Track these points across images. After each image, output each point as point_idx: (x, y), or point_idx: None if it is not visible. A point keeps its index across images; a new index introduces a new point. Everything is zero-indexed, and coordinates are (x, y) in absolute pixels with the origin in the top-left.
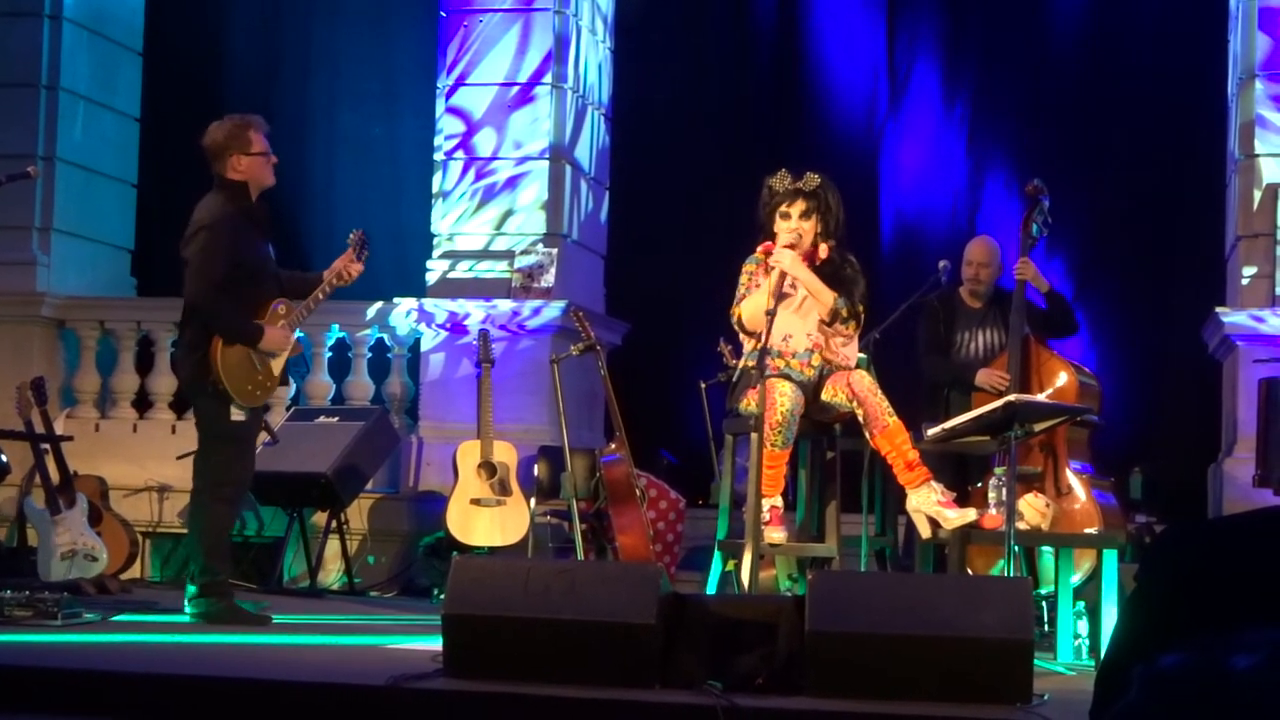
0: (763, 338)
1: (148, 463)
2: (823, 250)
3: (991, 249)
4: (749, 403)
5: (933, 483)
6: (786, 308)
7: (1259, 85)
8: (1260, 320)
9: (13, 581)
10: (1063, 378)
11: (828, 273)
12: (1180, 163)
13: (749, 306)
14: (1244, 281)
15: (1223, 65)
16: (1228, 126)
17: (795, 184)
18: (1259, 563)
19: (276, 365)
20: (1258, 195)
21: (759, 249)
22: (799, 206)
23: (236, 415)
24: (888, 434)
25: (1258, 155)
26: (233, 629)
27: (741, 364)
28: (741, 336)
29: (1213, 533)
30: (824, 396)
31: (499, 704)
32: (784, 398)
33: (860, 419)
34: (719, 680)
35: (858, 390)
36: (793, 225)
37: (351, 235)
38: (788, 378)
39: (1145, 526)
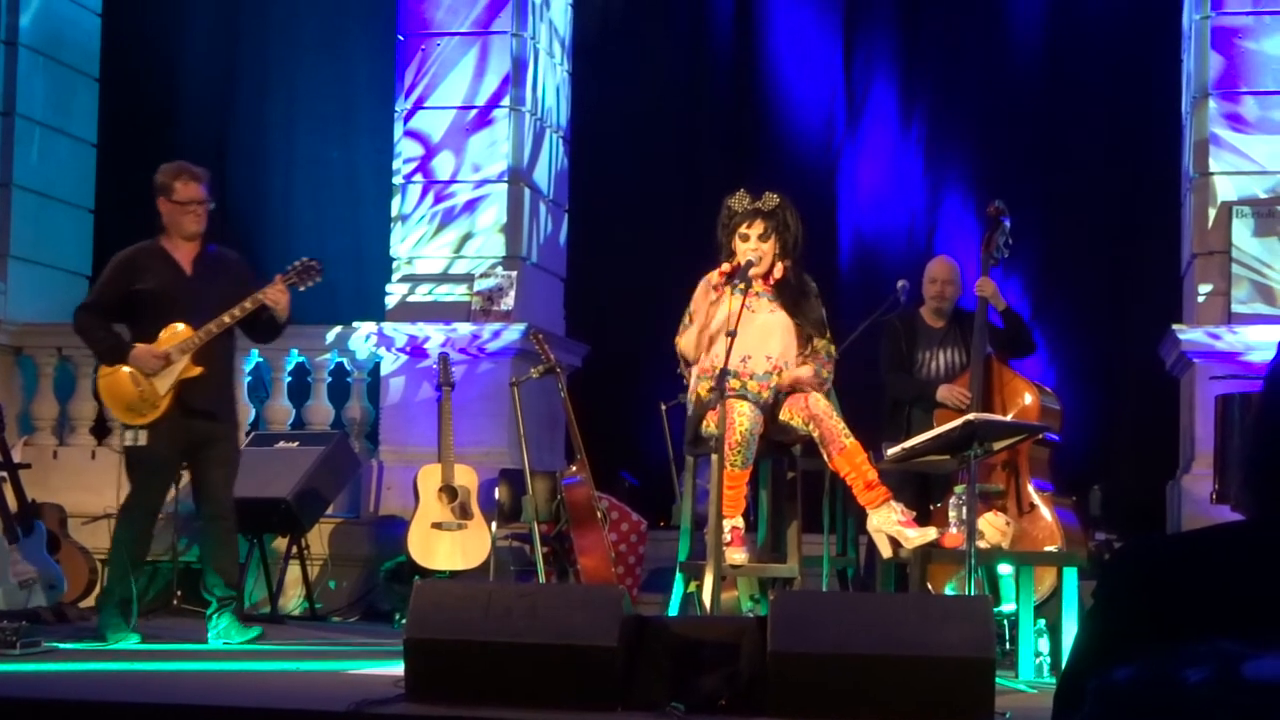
0: (721, 360)
1: (106, 490)
2: (778, 270)
3: (953, 267)
4: (709, 424)
5: (893, 502)
6: (748, 326)
7: (1212, 104)
8: (1216, 337)
9: None
10: (1027, 398)
11: (788, 296)
12: (1135, 181)
13: (686, 341)
14: (1200, 299)
15: (1176, 84)
16: (1182, 145)
17: (754, 204)
18: (1214, 577)
19: (162, 383)
20: (1212, 213)
21: (716, 271)
22: (758, 227)
23: (128, 438)
24: (845, 455)
25: (1212, 173)
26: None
27: (692, 395)
28: (681, 367)
29: (1169, 548)
30: (781, 418)
31: None
32: (743, 417)
33: (817, 440)
34: (681, 701)
35: (814, 412)
36: (752, 246)
37: (298, 261)
38: (744, 398)
39: (1105, 543)
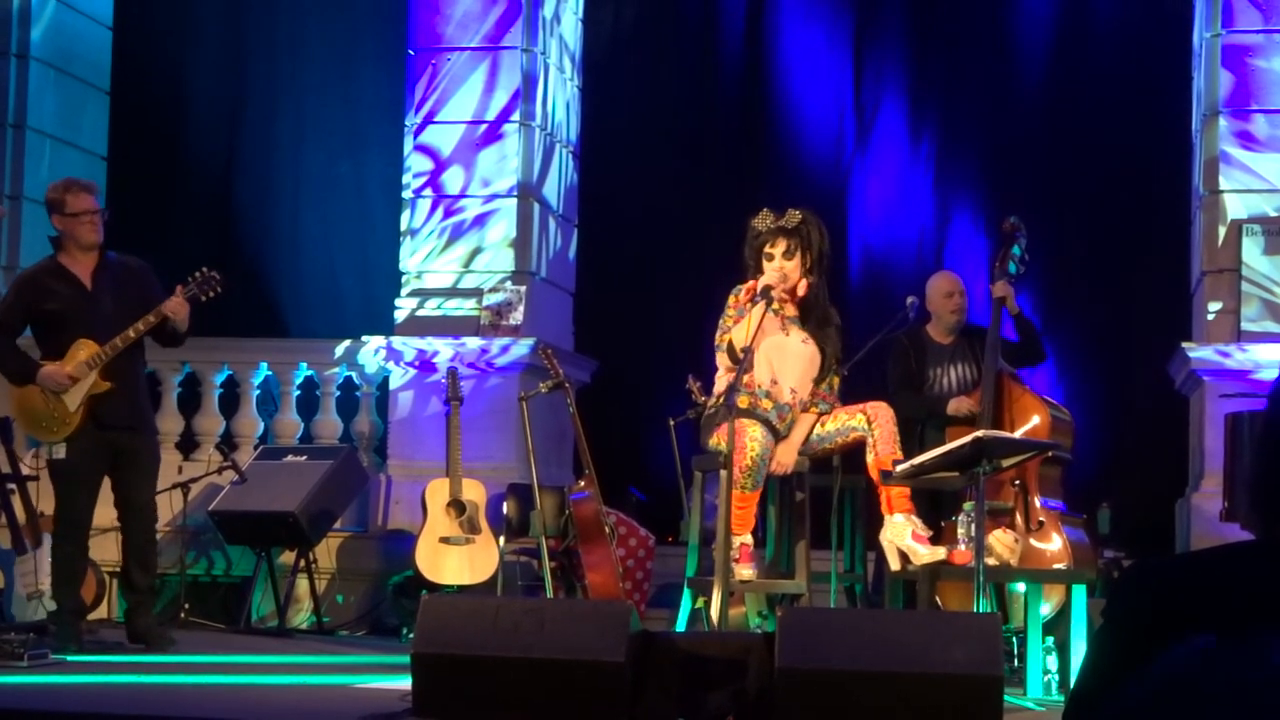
0: (745, 373)
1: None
2: (801, 287)
3: (959, 279)
4: (719, 440)
5: (912, 516)
6: (783, 351)
7: (1222, 121)
8: (1226, 355)
9: None
10: (1037, 417)
11: (813, 322)
12: (1145, 198)
13: (739, 334)
14: (1209, 317)
15: (1186, 102)
16: (1192, 163)
17: (778, 222)
18: (1222, 596)
19: (71, 400)
20: (1222, 231)
21: (744, 287)
22: (781, 245)
23: (55, 453)
24: (886, 461)
25: (1222, 191)
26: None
27: (716, 399)
28: (721, 369)
29: (1177, 567)
30: (829, 426)
31: None
32: (755, 442)
33: (869, 440)
34: (688, 718)
35: (879, 413)
36: (776, 265)
37: (198, 272)
38: (766, 421)
39: (1113, 561)
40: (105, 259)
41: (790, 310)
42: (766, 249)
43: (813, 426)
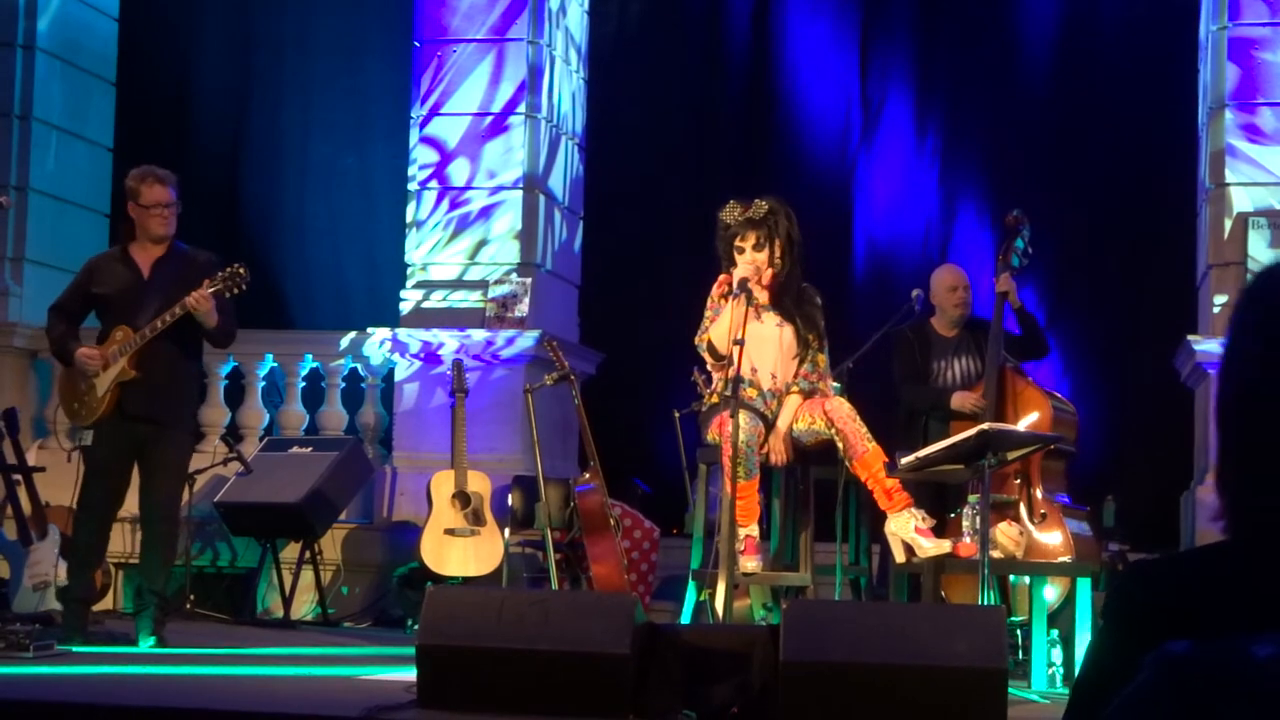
0: (730, 367)
1: None
2: (765, 276)
3: (964, 273)
4: (713, 434)
5: (913, 509)
6: (757, 338)
7: (1229, 115)
8: None
9: None
10: (1037, 413)
11: (787, 304)
12: (1151, 192)
13: (717, 332)
14: (1215, 310)
15: (1192, 95)
16: (1198, 156)
17: (745, 214)
18: (1228, 595)
19: (101, 384)
20: (1228, 224)
21: (716, 286)
22: (750, 239)
23: (81, 440)
24: (866, 460)
25: (1228, 184)
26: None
27: (709, 396)
28: (710, 365)
29: (1173, 565)
30: (799, 424)
31: None
32: (738, 430)
33: (839, 445)
34: (693, 710)
35: (835, 417)
36: (748, 258)
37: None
38: (753, 409)
39: (1117, 555)
40: (172, 250)
41: (762, 297)
42: (737, 243)
43: (797, 410)
